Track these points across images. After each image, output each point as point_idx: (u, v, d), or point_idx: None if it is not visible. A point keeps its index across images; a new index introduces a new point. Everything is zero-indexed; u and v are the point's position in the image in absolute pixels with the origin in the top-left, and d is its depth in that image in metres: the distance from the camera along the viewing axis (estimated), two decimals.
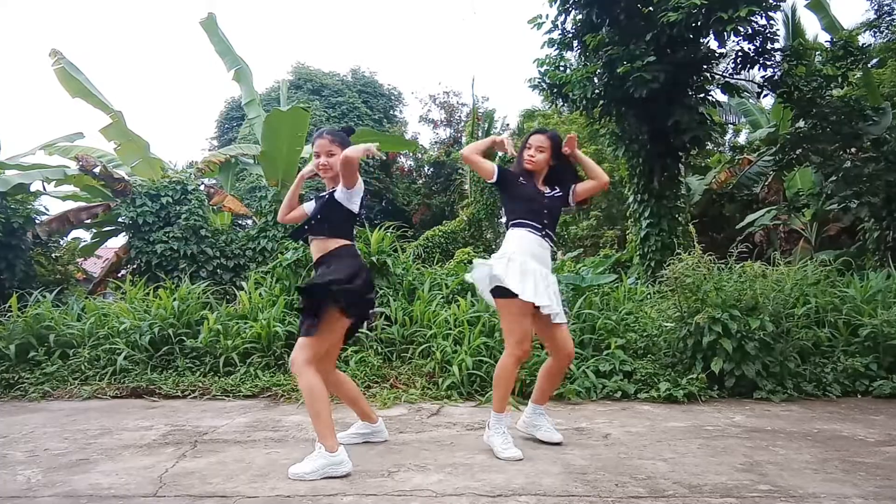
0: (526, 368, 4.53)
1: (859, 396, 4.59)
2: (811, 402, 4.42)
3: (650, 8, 7.44)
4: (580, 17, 8.05)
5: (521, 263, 3.10)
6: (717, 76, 8.43)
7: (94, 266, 12.01)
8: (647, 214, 8.28)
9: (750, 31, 7.34)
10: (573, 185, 3.34)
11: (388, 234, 6.18)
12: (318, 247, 3.08)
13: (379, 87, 27.73)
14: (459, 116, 26.51)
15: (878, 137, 8.03)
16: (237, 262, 9.24)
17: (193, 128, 62.72)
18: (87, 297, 7.18)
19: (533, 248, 3.17)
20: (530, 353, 3.21)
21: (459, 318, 5.18)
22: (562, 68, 8.25)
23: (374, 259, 5.70)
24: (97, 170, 9.03)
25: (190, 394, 4.84)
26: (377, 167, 24.25)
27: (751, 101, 13.62)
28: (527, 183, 3.27)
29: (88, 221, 9.80)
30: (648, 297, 6.13)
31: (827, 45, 8.45)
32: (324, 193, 3.18)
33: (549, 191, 3.31)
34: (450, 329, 5.10)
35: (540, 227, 3.21)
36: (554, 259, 3.54)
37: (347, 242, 3.08)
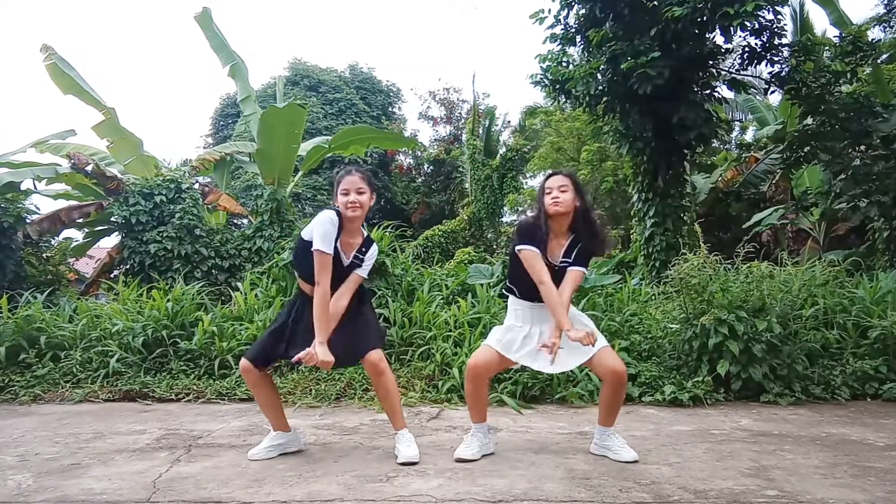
0: (528, 372, 4.54)
1: (869, 400, 4.59)
2: (819, 406, 4.42)
3: (654, 2, 7.43)
4: (583, 11, 8.03)
5: (510, 330, 3.18)
6: (723, 72, 8.42)
7: (87, 266, 12.00)
8: (651, 213, 8.27)
9: (757, 25, 7.33)
10: (585, 258, 3.14)
11: (387, 233, 6.18)
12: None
13: (377, 84, 27.73)
14: (460, 113, 26.50)
15: (888, 134, 8.01)
16: (232, 262, 9.23)
17: (188, 125, 62.85)
18: (79, 298, 7.18)
19: (527, 316, 3.16)
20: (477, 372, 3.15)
21: (460, 320, 5.18)
22: (564, 64, 8.25)
23: None
24: (89, 168, 9.02)
25: (184, 397, 4.84)
26: (375, 165, 24.24)
27: (758, 97, 13.61)
28: (543, 251, 3.08)
29: (80, 221, 9.78)
30: (653, 298, 6.13)
31: (836, 40, 8.44)
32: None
33: (561, 260, 3.11)
34: (450, 331, 5.11)
35: (534, 299, 3.12)
36: None
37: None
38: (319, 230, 2.99)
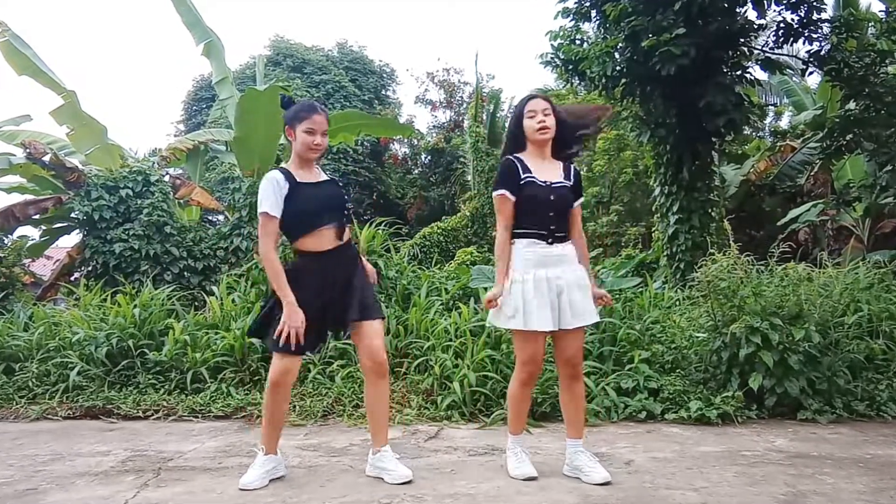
0: (538, 387, 4.54)
1: None
2: (863, 424, 4.42)
3: None
4: None
5: (518, 285, 3.12)
6: (755, 51, 8.42)
7: (44, 268, 12.01)
8: (675, 209, 8.28)
9: None
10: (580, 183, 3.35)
11: (380, 231, 6.18)
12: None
13: (369, 64, 27.76)
14: (461, 97, 26.54)
15: None
16: (207, 263, 9.23)
17: (157, 110, 62.89)
18: (35, 304, 7.19)
19: (538, 260, 3.14)
20: (536, 376, 3.32)
21: (461, 328, 5.18)
22: (578, 42, 8.24)
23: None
24: (47, 158, 9.03)
25: (153, 414, 4.84)
26: (367, 155, 24.26)
27: (794, 79, 13.62)
28: (532, 174, 3.18)
29: (37, 217, 9.79)
30: (677, 303, 6.14)
31: (882, 15, 8.44)
32: (324, 179, 3.33)
33: (555, 179, 3.22)
34: (450, 340, 5.11)
35: (546, 233, 3.15)
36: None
37: None
38: None
